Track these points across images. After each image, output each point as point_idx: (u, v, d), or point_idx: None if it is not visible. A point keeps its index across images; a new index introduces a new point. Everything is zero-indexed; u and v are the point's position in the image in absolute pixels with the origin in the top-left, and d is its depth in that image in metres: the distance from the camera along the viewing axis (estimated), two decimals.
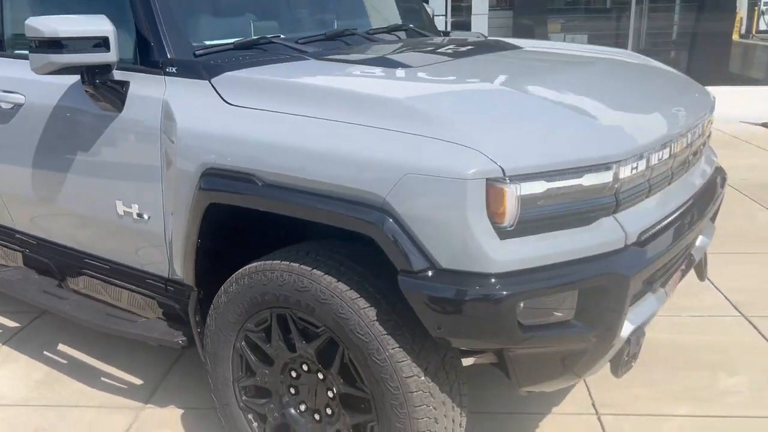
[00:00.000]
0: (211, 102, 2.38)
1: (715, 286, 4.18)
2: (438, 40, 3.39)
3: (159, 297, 2.83)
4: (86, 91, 2.57)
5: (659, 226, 2.28)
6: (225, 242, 2.49)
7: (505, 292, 1.91)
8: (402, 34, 3.45)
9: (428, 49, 3.09)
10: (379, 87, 2.32)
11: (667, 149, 2.33)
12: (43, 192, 3.03)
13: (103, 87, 2.55)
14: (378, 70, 2.49)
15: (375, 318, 2.07)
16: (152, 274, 2.79)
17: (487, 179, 1.89)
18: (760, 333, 3.62)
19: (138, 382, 3.32)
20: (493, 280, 1.92)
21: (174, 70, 2.51)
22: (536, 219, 1.98)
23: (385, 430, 2.16)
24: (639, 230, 2.16)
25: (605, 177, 2.05)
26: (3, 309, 4.00)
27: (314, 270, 2.17)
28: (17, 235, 3.37)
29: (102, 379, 3.35)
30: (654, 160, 2.25)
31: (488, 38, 3.52)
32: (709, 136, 2.94)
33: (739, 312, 3.85)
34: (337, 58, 2.63)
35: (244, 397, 2.51)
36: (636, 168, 2.16)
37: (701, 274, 3.01)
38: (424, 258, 1.95)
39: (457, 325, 1.97)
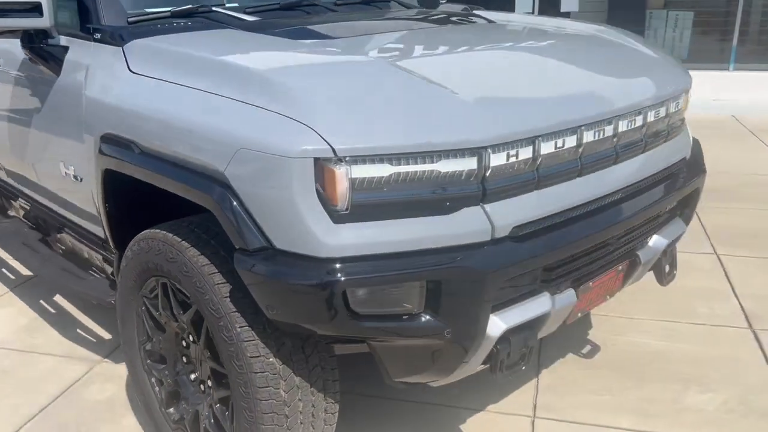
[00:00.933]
0: (119, 69, 2.41)
1: (735, 294, 3.79)
2: (407, 12, 3.24)
3: (104, 256, 2.93)
4: (26, 55, 2.69)
5: (551, 222, 2.09)
6: (135, 207, 2.52)
7: (332, 278, 1.81)
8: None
9: (376, 20, 2.97)
10: (258, 58, 2.26)
11: (573, 136, 2.12)
12: (18, 151, 3.21)
13: (41, 51, 2.65)
14: (285, 42, 2.42)
15: (227, 295, 2.04)
16: (94, 234, 2.89)
17: (315, 159, 1.79)
18: (761, 349, 3.26)
19: (107, 337, 3.47)
20: (322, 264, 1.83)
21: (99, 36, 2.57)
22: (381, 204, 1.85)
23: (237, 407, 2.14)
24: (513, 224, 1.99)
25: (468, 163, 1.90)
26: None
27: (183, 242, 2.16)
28: (11, 191, 3.60)
29: (77, 330, 3.54)
30: (548, 147, 2.05)
31: (471, 12, 3.32)
32: (677, 123, 2.64)
33: (749, 324, 3.47)
34: (261, 28, 2.57)
35: (148, 361, 2.57)
36: (515, 155, 1.98)
37: (661, 278, 2.73)
38: (260, 237, 1.89)
39: (287, 309, 1.90)
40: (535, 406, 2.87)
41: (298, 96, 1.91)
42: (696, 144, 2.94)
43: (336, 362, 2.21)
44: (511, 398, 2.93)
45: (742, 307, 3.64)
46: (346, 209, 1.83)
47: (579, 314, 2.41)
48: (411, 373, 2.14)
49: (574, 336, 3.37)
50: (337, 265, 1.82)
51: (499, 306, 2.06)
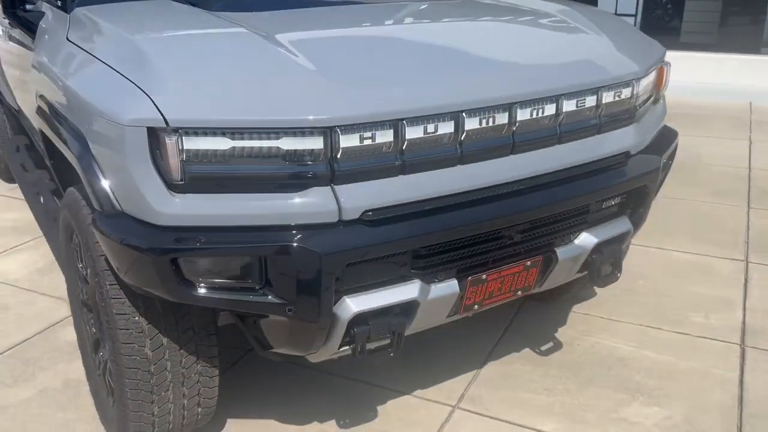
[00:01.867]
0: (61, 36, 2.57)
1: (744, 306, 3.47)
2: None
3: None
4: (6, 19, 2.92)
5: (420, 208, 2.02)
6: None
7: (160, 246, 1.87)
8: None
9: None
10: (151, 29, 2.33)
11: (450, 122, 2.03)
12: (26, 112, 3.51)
13: (18, 17, 2.88)
14: (200, 14, 2.47)
15: (102, 253, 2.15)
16: None
17: (148, 127, 1.84)
18: (741, 368, 2.98)
19: None
20: (154, 231, 1.89)
21: (60, 3, 2.74)
22: (221, 177, 1.88)
23: (109, 360, 2.26)
24: (366, 207, 1.95)
25: (314, 143, 1.88)
26: None
27: (82, 200, 2.29)
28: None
29: None
30: (415, 132, 1.98)
31: None
32: (621, 114, 2.44)
33: (742, 340, 3.18)
34: (198, 1, 2.64)
35: (84, 309, 2.75)
36: (371, 138, 1.93)
37: (594, 279, 2.56)
38: (112, 200, 1.98)
39: (130, 271, 1.98)
40: (462, 397, 2.80)
41: (146, 65, 1.97)
42: (662, 139, 2.71)
43: (215, 328, 2.28)
44: (443, 385, 2.87)
45: (744, 321, 3.33)
46: (182, 180, 1.87)
47: (476, 307, 2.31)
48: (276, 346, 2.17)
49: (540, 331, 3.24)
50: (168, 234, 1.88)
51: (357, 288, 2.04)
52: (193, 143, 1.84)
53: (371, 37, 2.41)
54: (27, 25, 2.90)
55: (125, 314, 2.13)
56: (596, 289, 3.59)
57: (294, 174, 1.90)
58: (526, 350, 3.11)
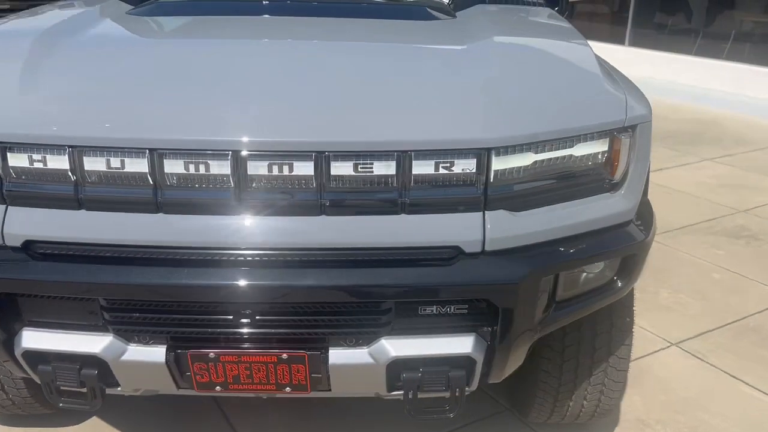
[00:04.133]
0: None
1: None
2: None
3: None
4: None
5: (99, 253, 1.73)
6: None
7: None
8: None
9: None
10: (49, 23, 2.35)
11: (142, 159, 1.69)
12: None
13: None
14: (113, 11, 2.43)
15: None
16: None
17: None
18: None
19: None
20: None
21: None
22: None
23: None
24: (27, 236, 1.74)
25: None
26: None
27: None
28: None
29: None
30: (95, 163, 1.70)
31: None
32: (442, 193, 1.73)
33: None
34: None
35: None
36: (42, 161, 1.72)
37: (408, 407, 1.88)
38: None
39: None
40: None
41: None
42: (594, 244, 1.87)
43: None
44: None
45: None
46: None
47: (218, 388, 1.87)
48: None
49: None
50: None
51: (42, 324, 1.86)
52: None
53: (182, 54, 2.14)
54: None
55: None
56: (614, 423, 2.66)
57: None
58: None
